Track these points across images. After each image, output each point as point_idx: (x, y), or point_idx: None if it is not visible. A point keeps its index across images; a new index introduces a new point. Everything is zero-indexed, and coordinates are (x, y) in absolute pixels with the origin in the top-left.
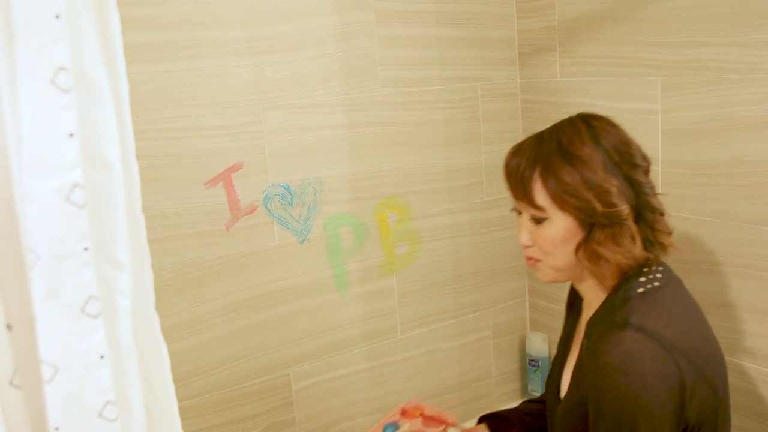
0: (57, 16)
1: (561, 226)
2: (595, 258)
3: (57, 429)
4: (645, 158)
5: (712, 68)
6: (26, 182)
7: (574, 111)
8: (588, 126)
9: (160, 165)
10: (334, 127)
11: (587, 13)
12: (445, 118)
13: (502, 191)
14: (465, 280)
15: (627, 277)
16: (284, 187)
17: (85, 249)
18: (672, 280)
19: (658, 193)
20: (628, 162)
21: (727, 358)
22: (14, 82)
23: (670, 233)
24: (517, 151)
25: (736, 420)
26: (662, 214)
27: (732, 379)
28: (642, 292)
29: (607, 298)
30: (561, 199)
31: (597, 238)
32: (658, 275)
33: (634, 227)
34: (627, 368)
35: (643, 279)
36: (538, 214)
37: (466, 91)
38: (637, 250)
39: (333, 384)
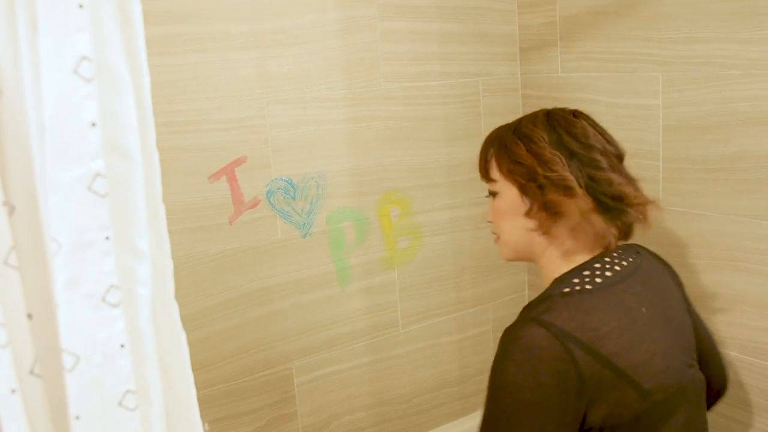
0: (80, 6)
1: (508, 197)
2: (543, 225)
3: (78, 418)
4: (609, 142)
5: (714, 64)
6: (49, 172)
7: (574, 106)
8: (546, 113)
9: (163, 159)
10: (336, 122)
11: (588, 8)
12: (447, 113)
13: None
14: (466, 275)
15: (566, 273)
16: (287, 181)
17: (107, 238)
18: (616, 283)
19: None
20: (580, 143)
21: (728, 352)
22: (37, 72)
23: (635, 201)
24: (486, 138)
25: (737, 414)
26: (619, 184)
27: (735, 375)
28: (566, 292)
29: (543, 292)
30: (508, 169)
31: (544, 200)
32: (597, 279)
33: (581, 191)
34: (522, 360)
35: (576, 280)
36: (492, 187)
37: (468, 86)
38: (590, 215)
39: (335, 378)
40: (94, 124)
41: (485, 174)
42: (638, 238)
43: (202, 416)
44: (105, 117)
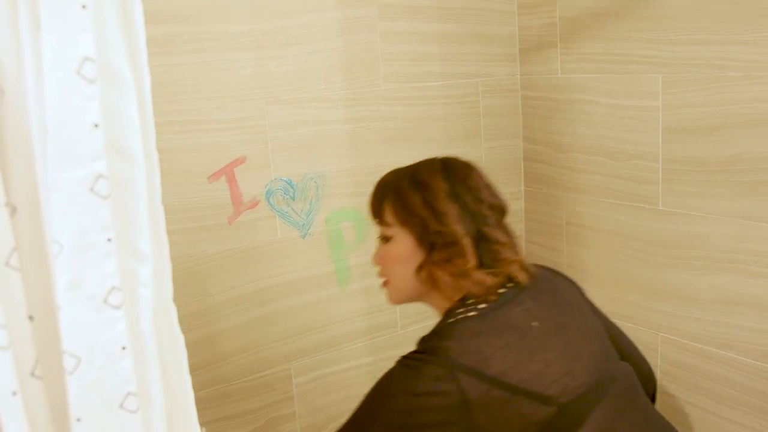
0: (83, 6)
1: (402, 243)
2: (432, 279)
3: (79, 420)
4: (496, 197)
5: (714, 66)
6: (51, 172)
7: (574, 107)
8: (443, 161)
9: (163, 159)
10: (336, 122)
11: (588, 9)
12: (446, 113)
13: (501, 187)
14: None
15: (456, 304)
16: (286, 182)
17: (109, 240)
18: (502, 305)
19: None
20: (473, 196)
21: (727, 353)
22: (39, 72)
23: (513, 261)
24: (381, 179)
25: (735, 416)
26: (503, 244)
27: (733, 376)
28: (451, 322)
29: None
30: (403, 217)
31: (434, 258)
32: (482, 305)
33: (470, 250)
34: (403, 376)
35: (461, 310)
36: (385, 231)
37: (467, 87)
38: (475, 272)
39: (334, 378)
40: (96, 125)
41: (379, 217)
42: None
43: (200, 418)
44: (107, 118)
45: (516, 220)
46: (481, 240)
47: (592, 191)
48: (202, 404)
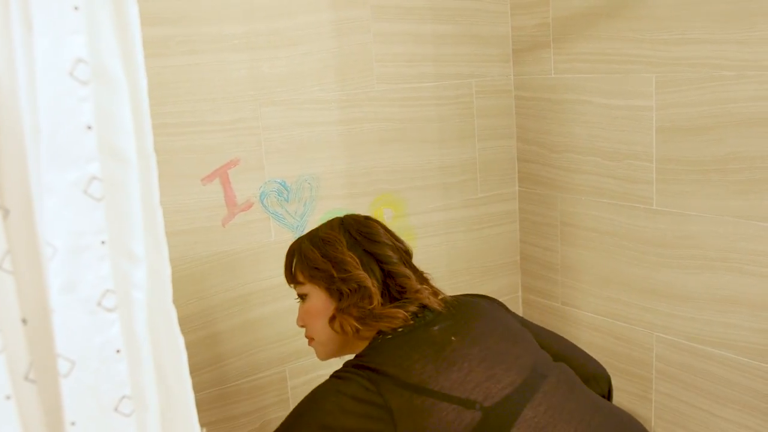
0: (75, 8)
1: (315, 298)
2: (344, 327)
3: (73, 424)
4: (398, 240)
5: (708, 65)
6: (44, 175)
7: (568, 107)
8: (341, 219)
9: (156, 160)
10: (330, 124)
11: (582, 9)
12: (440, 114)
13: (495, 188)
14: (459, 276)
15: (375, 336)
16: (280, 183)
17: (102, 242)
18: (418, 328)
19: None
20: (370, 239)
21: (722, 352)
22: (32, 74)
23: (423, 289)
24: (289, 247)
25: (732, 415)
26: (409, 277)
27: (728, 375)
28: (371, 345)
29: None
30: (309, 273)
31: (342, 306)
32: (399, 329)
33: (375, 291)
34: (327, 389)
35: (379, 336)
36: (300, 290)
37: (461, 87)
38: (384, 309)
39: None
40: (89, 127)
41: (292, 279)
42: None
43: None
44: (101, 120)
45: (510, 221)
46: (387, 278)
47: (586, 191)
48: (197, 407)
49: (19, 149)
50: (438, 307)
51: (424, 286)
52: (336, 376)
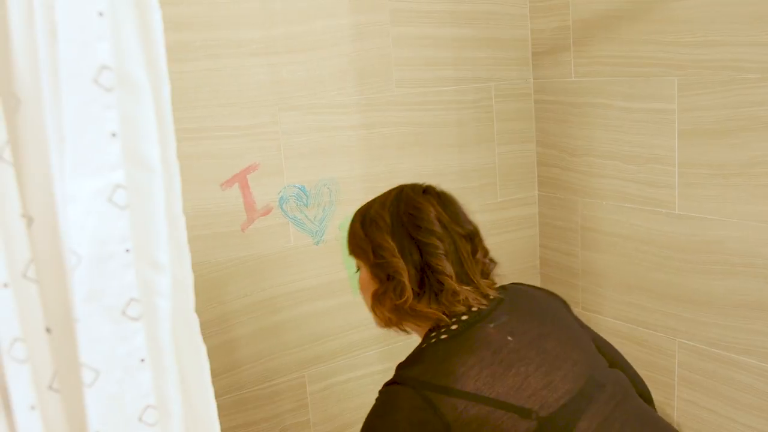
0: (100, 14)
1: (364, 273)
2: (383, 314)
3: None
4: (457, 223)
5: (730, 68)
6: (68, 183)
7: (588, 111)
8: (399, 191)
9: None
10: (349, 128)
11: (602, 12)
12: (459, 118)
13: (515, 192)
14: None
15: (432, 327)
16: (300, 188)
17: (127, 251)
18: (475, 323)
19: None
20: (415, 224)
21: (746, 359)
22: (56, 81)
23: (464, 290)
24: (357, 211)
25: (758, 423)
26: (450, 276)
27: (752, 382)
28: (424, 347)
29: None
30: (354, 249)
31: (379, 292)
32: (453, 327)
33: (407, 284)
34: (383, 412)
35: (433, 333)
36: (356, 260)
37: (480, 91)
38: (418, 308)
39: (348, 386)
40: (114, 135)
41: (348, 249)
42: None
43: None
44: (125, 127)
45: (530, 225)
46: (426, 269)
47: (607, 195)
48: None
49: (42, 157)
50: (486, 305)
51: (465, 287)
52: (385, 401)
